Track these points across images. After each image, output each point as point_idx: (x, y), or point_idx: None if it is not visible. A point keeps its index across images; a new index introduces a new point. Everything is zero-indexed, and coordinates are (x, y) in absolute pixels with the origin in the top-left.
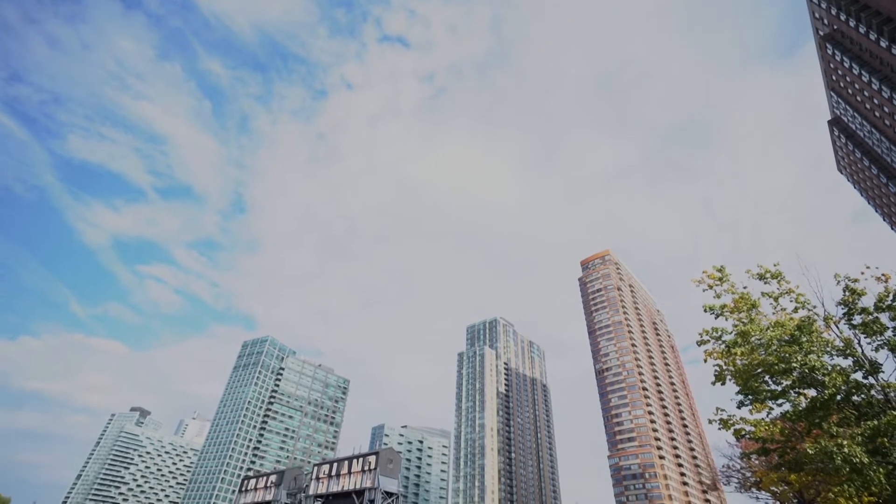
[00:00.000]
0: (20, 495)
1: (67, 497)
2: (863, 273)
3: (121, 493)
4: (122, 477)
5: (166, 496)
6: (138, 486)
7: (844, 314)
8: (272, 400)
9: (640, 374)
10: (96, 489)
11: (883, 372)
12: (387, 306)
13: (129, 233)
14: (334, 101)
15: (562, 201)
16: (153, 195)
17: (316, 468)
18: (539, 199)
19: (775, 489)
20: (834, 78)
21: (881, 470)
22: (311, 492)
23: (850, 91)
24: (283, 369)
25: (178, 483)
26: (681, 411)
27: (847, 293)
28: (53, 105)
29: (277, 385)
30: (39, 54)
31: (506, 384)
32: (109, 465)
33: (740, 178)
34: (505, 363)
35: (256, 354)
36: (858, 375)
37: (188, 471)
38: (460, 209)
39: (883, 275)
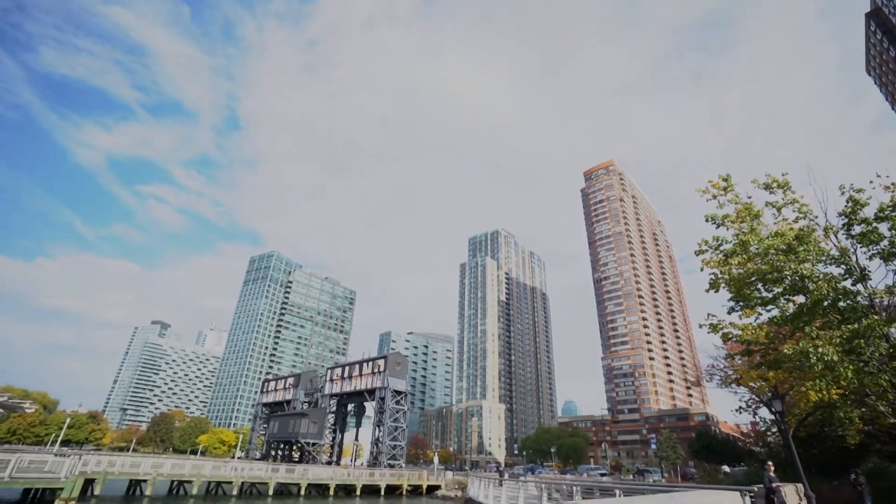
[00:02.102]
0: (65, 397)
1: (108, 399)
2: (871, 182)
3: (155, 395)
4: (154, 382)
5: (195, 397)
6: (169, 388)
7: (844, 224)
8: (283, 311)
9: (637, 282)
10: (132, 392)
11: (871, 280)
12: (389, 219)
13: (124, 153)
14: (324, 2)
15: (566, 111)
16: (143, 113)
17: (330, 371)
18: (543, 108)
19: (753, 385)
20: None
21: (850, 367)
22: (326, 391)
23: None
24: (291, 282)
25: (204, 386)
26: (673, 317)
27: (849, 203)
28: (18, 13)
29: (287, 297)
30: None
31: (506, 293)
32: (140, 371)
33: (758, 84)
34: (506, 273)
35: (264, 269)
36: (848, 283)
37: (212, 376)
38: (462, 121)
39: (892, 184)
